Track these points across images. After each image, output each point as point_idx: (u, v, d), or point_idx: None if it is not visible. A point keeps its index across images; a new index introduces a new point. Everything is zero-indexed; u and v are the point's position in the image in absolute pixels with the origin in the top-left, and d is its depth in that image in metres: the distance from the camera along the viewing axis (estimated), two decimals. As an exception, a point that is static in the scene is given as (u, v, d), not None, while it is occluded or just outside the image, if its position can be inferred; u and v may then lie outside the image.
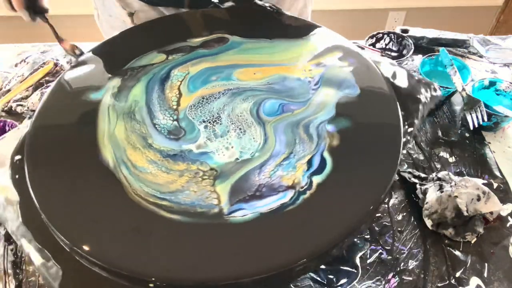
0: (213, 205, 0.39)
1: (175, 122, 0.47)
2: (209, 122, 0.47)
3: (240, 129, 0.46)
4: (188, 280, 0.35)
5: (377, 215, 0.53)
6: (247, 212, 0.38)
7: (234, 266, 0.36)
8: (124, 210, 0.39)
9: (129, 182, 0.41)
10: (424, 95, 0.50)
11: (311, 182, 0.40)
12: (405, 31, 0.78)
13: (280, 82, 0.51)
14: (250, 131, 0.46)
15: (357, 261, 0.48)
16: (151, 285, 0.35)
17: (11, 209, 0.42)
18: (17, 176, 0.44)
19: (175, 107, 0.49)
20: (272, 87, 0.50)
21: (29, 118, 0.65)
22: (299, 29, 0.58)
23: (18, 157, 0.46)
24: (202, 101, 0.49)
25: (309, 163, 0.42)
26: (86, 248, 0.36)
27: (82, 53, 0.58)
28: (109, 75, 0.52)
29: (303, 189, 0.40)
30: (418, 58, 0.76)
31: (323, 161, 0.42)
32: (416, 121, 0.48)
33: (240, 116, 0.47)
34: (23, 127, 0.49)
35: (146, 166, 0.42)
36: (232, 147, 0.44)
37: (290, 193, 0.39)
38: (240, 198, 0.39)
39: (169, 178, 0.41)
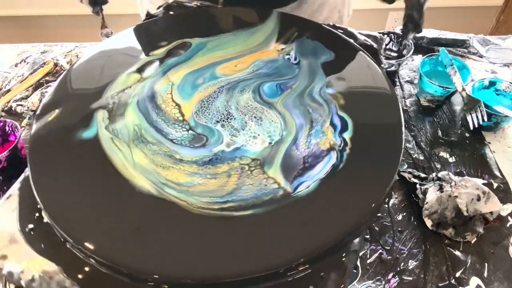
0: (276, 189, 0.41)
1: (191, 131, 0.46)
2: (223, 121, 0.48)
3: (255, 117, 0.48)
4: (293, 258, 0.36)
5: (377, 215, 0.53)
6: (309, 183, 0.41)
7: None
8: (194, 227, 0.38)
9: (183, 200, 0.40)
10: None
11: (344, 139, 0.45)
12: (405, 31, 0.78)
13: (263, 66, 0.54)
14: (266, 116, 0.48)
15: (357, 261, 0.48)
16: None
17: (56, 281, 0.38)
18: (43, 246, 0.40)
19: (181, 118, 0.48)
20: (259, 72, 0.53)
21: (29, 118, 0.65)
22: (249, 17, 0.61)
23: (30, 226, 0.42)
24: (203, 104, 0.49)
25: (332, 124, 0.46)
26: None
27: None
28: (91, 108, 0.48)
29: (341, 147, 0.44)
30: (418, 58, 0.76)
31: (342, 120, 0.47)
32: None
33: (248, 106, 0.49)
34: (14, 192, 0.45)
35: (190, 180, 0.41)
36: (258, 135, 0.46)
37: (333, 154, 0.44)
38: (295, 174, 0.42)
39: (219, 182, 0.41)
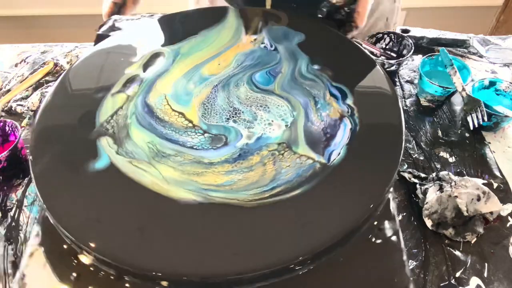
0: (313, 164, 0.43)
1: (207, 134, 0.46)
2: (233, 116, 0.48)
3: (261, 106, 0.49)
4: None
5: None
6: (338, 150, 0.44)
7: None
8: (253, 220, 0.39)
9: (233, 198, 0.40)
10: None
11: (348, 105, 0.49)
12: (405, 31, 0.78)
13: (245, 58, 0.55)
14: (270, 103, 0.50)
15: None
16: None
17: None
18: (73, 276, 0.40)
19: (191, 124, 0.47)
20: (244, 65, 0.54)
21: (29, 118, 0.65)
22: (211, 15, 0.62)
23: (74, 274, 0.42)
24: (206, 106, 0.49)
25: (332, 95, 0.50)
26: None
27: None
28: (91, 139, 0.46)
29: (349, 112, 0.48)
30: (418, 58, 0.76)
31: (339, 89, 0.51)
32: None
33: (249, 98, 0.50)
34: (35, 248, 0.43)
35: (229, 179, 0.42)
36: (272, 121, 0.48)
37: (346, 120, 0.47)
38: (322, 146, 0.45)
39: (258, 172, 0.43)
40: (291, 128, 0.47)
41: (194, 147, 0.45)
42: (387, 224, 0.43)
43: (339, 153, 0.44)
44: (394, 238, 0.42)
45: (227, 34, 0.59)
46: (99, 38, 0.63)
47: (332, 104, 0.49)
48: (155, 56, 0.55)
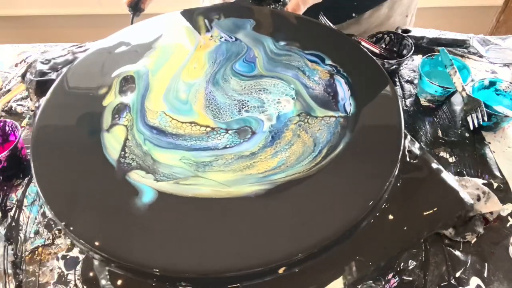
0: (337, 120, 0.47)
1: (231, 131, 0.47)
2: (243, 107, 0.50)
3: (260, 90, 0.51)
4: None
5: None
6: (347, 102, 0.49)
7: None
8: (318, 185, 0.41)
9: (296, 172, 0.42)
10: None
11: (330, 65, 0.54)
12: (406, 31, 0.78)
13: (216, 55, 0.56)
14: (265, 85, 0.52)
15: None
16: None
17: None
18: None
19: (209, 128, 0.47)
20: (219, 61, 0.56)
21: (29, 118, 0.65)
22: (153, 27, 0.62)
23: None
24: (211, 108, 0.50)
25: (312, 61, 0.54)
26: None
27: None
28: (119, 180, 0.43)
29: (335, 70, 0.53)
30: (418, 58, 0.76)
31: (314, 55, 0.55)
32: None
33: (244, 87, 0.52)
34: None
35: (279, 159, 0.44)
36: (279, 99, 0.50)
37: (337, 76, 0.52)
38: (333, 103, 0.49)
39: (298, 145, 0.45)
40: (298, 99, 0.50)
41: (227, 146, 0.45)
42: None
43: (350, 104, 0.49)
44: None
45: (182, 39, 0.59)
46: (40, 84, 0.57)
47: (317, 68, 0.54)
48: (124, 80, 0.53)
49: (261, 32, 0.59)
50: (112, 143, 0.46)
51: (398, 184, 0.45)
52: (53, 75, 0.59)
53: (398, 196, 0.44)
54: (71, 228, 0.38)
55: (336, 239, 0.38)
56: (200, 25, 0.61)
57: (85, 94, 0.51)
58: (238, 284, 0.38)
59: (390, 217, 0.43)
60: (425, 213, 0.44)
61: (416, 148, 0.48)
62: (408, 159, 0.48)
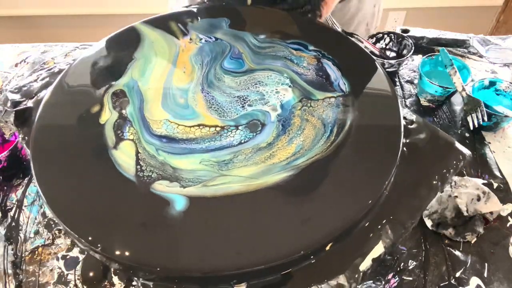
0: (336, 99, 0.49)
1: (241, 127, 0.47)
2: (245, 102, 0.50)
3: (255, 84, 0.52)
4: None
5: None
6: (341, 81, 0.51)
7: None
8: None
9: (315, 154, 0.44)
10: None
11: (314, 50, 0.56)
12: (405, 31, 0.78)
13: (201, 57, 0.56)
14: (259, 78, 0.53)
15: None
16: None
17: None
18: None
19: (219, 128, 0.47)
20: (206, 62, 0.55)
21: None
22: (129, 38, 0.60)
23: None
24: (214, 108, 0.50)
25: (297, 49, 0.56)
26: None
27: None
28: (145, 192, 0.42)
29: (321, 54, 0.55)
30: (418, 58, 0.76)
31: (296, 43, 0.57)
32: None
33: (239, 83, 0.52)
34: None
35: (295, 145, 0.45)
36: (276, 89, 0.51)
37: (324, 60, 0.54)
38: (328, 84, 0.51)
39: (309, 128, 0.47)
40: (295, 86, 0.51)
41: (242, 141, 0.46)
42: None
43: (344, 83, 0.51)
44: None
45: (163, 47, 0.58)
46: (19, 114, 0.53)
47: (303, 55, 0.55)
48: (115, 95, 0.51)
49: (239, 29, 0.60)
50: (124, 159, 0.45)
51: (404, 149, 0.47)
52: (29, 103, 0.55)
53: (406, 159, 0.47)
54: (118, 253, 0.37)
55: (377, 203, 0.41)
56: (174, 30, 0.60)
57: (78, 114, 0.49)
58: (289, 269, 0.40)
59: (405, 178, 0.46)
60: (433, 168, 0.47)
61: (409, 115, 0.52)
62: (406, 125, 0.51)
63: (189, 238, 0.38)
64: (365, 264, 0.41)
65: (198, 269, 0.36)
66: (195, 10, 0.64)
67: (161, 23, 0.60)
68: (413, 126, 0.50)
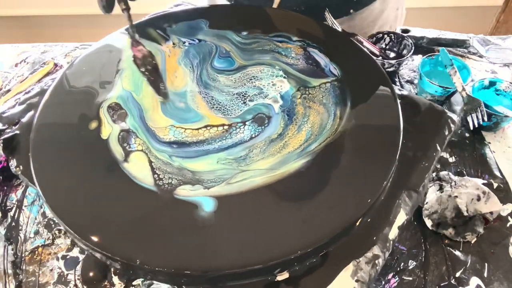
0: (331, 83, 0.52)
1: (248, 122, 0.48)
2: (245, 99, 0.51)
3: (251, 79, 0.53)
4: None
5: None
6: (332, 66, 0.54)
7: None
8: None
9: (327, 137, 0.46)
10: None
11: (298, 40, 0.58)
12: (405, 31, 0.78)
13: (190, 59, 0.56)
14: (253, 73, 0.54)
15: None
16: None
17: None
18: None
19: (226, 126, 0.48)
20: (196, 64, 0.55)
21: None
22: (109, 50, 0.59)
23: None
24: (216, 108, 0.50)
25: (282, 42, 0.58)
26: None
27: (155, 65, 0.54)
28: (170, 198, 0.42)
29: (306, 43, 0.57)
30: (418, 58, 0.76)
31: (278, 36, 0.59)
32: None
33: (236, 80, 0.53)
34: None
35: (305, 131, 0.47)
36: (272, 82, 0.52)
37: (310, 49, 0.56)
38: (320, 71, 0.53)
39: (313, 114, 0.48)
40: (289, 77, 0.53)
41: (253, 136, 0.46)
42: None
43: (335, 67, 0.53)
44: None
45: (147, 56, 0.56)
46: (7, 142, 0.51)
47: (288, 46, 0.57)
48: (111, 108, 0.50)
49: (220, 28, 0.60)
50: (138, 170, 0.44)
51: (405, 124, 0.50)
52: (14, 130, 0.52)
53: (408, 130, 0.49)
54: (159, 264, 0.37)
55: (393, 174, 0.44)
56: (154, 36, 0.59)
57: (76, 133, 0.48)
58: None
59: (409, 144, 0.49)
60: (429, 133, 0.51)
61: (397, 90, 0.54)
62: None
63: (226, 236, 0.39)
64: (393, 233, 0.43)
65: (242, 265, 0.37)
66: (169, 14, 0.64)
67: (139, 31, 0.59)
68: (405, 101, 0.53)
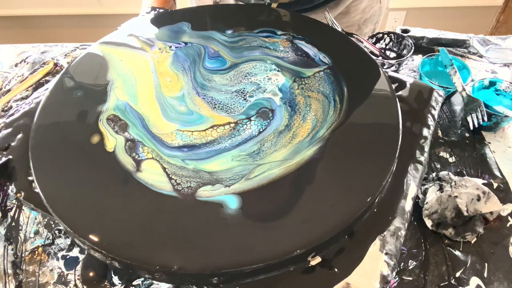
0: (325, 71, 0.54)
1: (253, 118, 0.49)
2: (245, 95, 0.51)
3: (246, 76, 0.54)
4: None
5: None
6: (321, 55, 0.56)
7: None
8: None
9: (332, 123, 0.47)
10: None
11: (283, 34, 0.60)
12: (405, 31, 0.78)
13: (180, 63, 0.56)
14: (247, 69, 0.55)
15: None
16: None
17: None
18: None
19: (232, 124, 0.48)
20: (187, 67, 0.56)
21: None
22: (95, 60, 0.57)
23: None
24: (218, 108, 0.50)
25: (267, 36, 0.59)
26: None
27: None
28: (192, 202, 0.42)
29: (291, 36, 0.59)
30: (418, 58, 0.76)
31: (264, 31, 0.60)
32: None
33: (231, 79, 0.54)
34: None
35: (310, 120, 0.48)
36: (267, 76, 0.54)
37: (298, 42, 0.58)
38: (310, 61, 0.55)
39: (314, 103, 0.50)
40: (283, 69, 0.54)
41: (261, 130, 0.47)
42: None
43: (324, 56, 0.55)
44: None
45: (133, 62, 0.56)
46: (1, 169, 0.49)
47: (275, 40, 0.58)
48: (110, 121, 0.49)
49: (203, 29, 0.61)
50: (154, 178, 0.43)
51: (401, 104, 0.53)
52: (6, 155, 0.51)
53: (403, 110, 0.50)
54: (199, 267, 0.37)
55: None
56: (138, 44, 0.59)
57: (80, 148, 0.47)
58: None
59: (408, 124, 0.52)
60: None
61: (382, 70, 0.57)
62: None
63: (258, 229, 0.39)
64: (409, 205, 0.45)
65: (279, 254, 0.37)
66: (147, 20, 0.63)
67: (120, 39, 0.59)
68: (392, 80, 0.55)
